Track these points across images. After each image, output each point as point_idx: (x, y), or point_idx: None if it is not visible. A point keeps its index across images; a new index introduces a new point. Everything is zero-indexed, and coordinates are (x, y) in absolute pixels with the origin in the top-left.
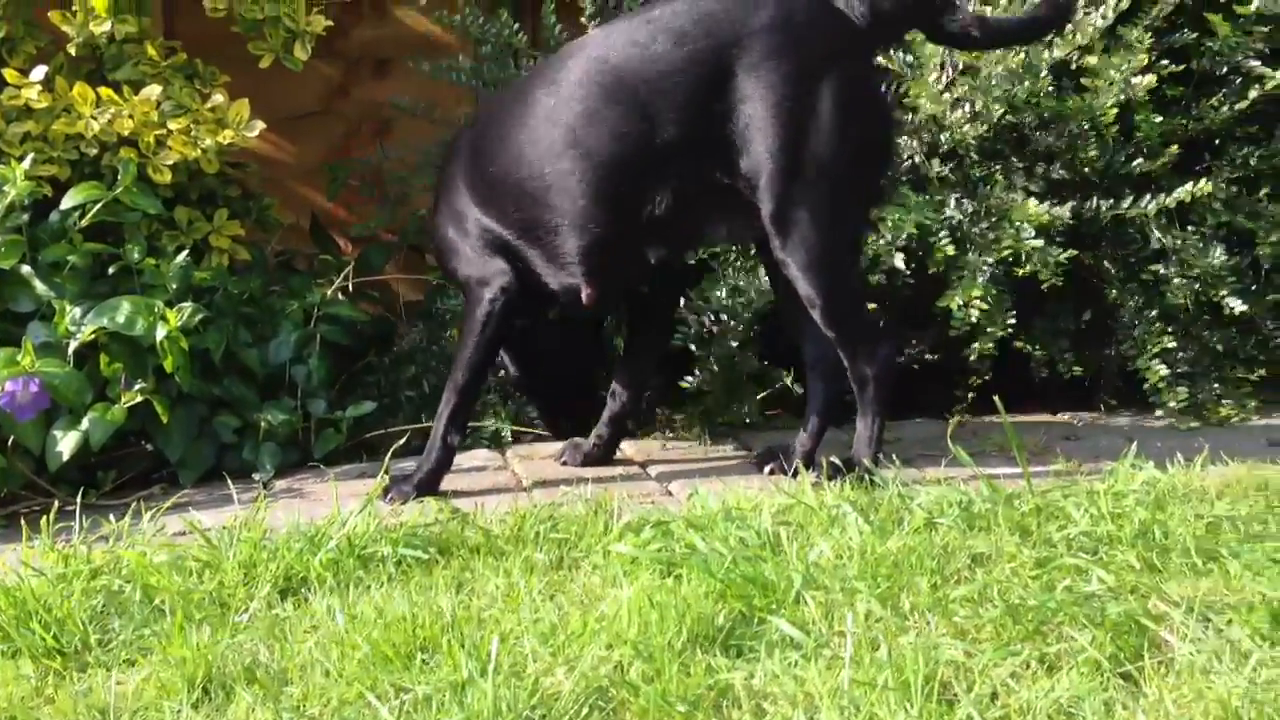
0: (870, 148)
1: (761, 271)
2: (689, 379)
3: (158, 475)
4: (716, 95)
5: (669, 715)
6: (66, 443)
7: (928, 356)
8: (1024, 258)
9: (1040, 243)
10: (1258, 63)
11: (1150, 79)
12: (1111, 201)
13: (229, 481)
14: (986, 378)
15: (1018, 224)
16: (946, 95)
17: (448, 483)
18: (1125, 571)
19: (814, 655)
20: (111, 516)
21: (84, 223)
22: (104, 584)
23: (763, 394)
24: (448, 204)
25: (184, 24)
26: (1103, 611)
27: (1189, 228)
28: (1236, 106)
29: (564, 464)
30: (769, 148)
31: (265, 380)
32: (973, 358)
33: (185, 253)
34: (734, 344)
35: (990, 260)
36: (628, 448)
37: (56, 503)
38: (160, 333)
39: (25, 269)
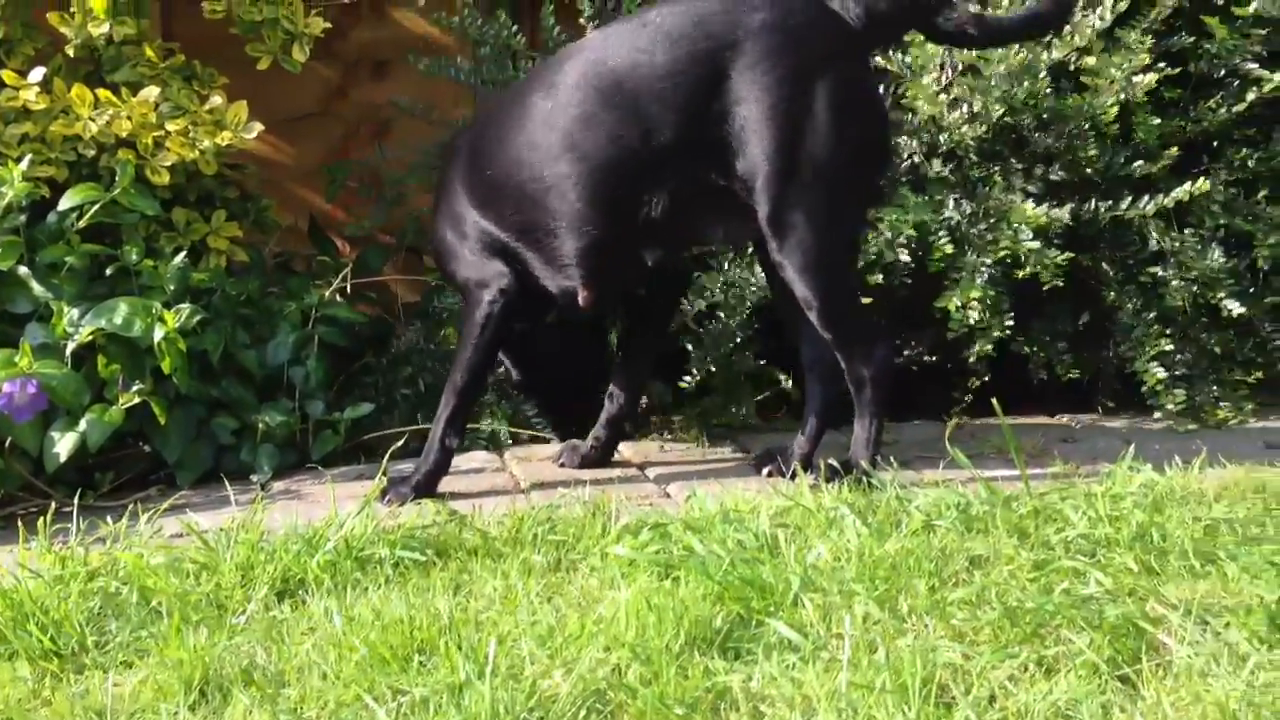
0: (867, 149)
1: (758, 267)
2: (686, 379)
3: (155, 477)
4: (712, 97)
5: (666, 718)
6: (64, 444)
7: (926, 358)
8: (1022, 259)
9: (1038, 244)
10: (1255, 65)
11: (1150, 78)
12: (1110, 203)
13: (226, 483)
14: (985, 379)
15: (1016, 226)
16: (943, 96)
17: (445, 484)
18: (1123, 574)
19: (812, 658)
20: (109, 518)
21: (82, 224)
22: (101, 586)
23: (761, 396)
24: (446, 207)
25: (182, 26)
26: (1100, 614)
27: (1187, 230)
28: (1234, 109)
29: (561, 466)
30: (765, 149)
31: (263, 382)
32: (971, 359)
33: (183, 254)
34: (734, 334)
35: (989, 261)
36: (626, 450)
37: (54, 504)
38: (158, 334)
39: (23, 270)
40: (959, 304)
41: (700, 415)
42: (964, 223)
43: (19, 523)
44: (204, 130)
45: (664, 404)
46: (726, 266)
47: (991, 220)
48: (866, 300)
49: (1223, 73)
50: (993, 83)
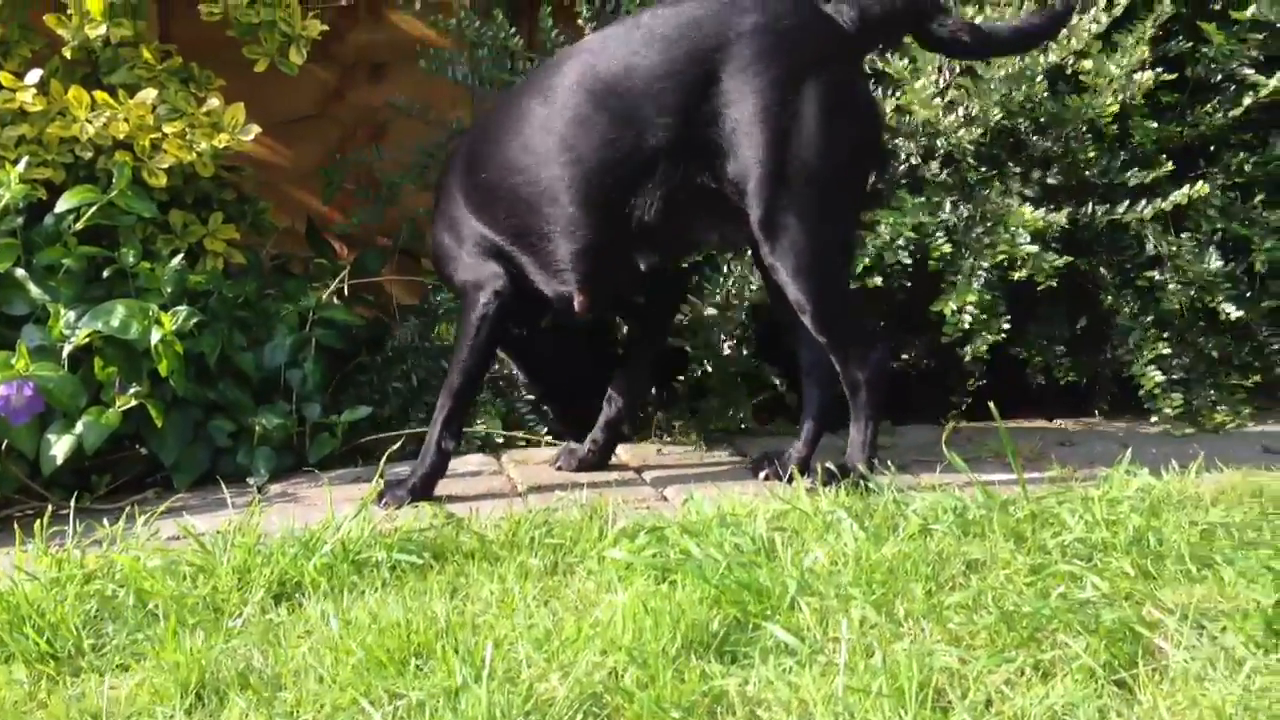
0: (859, 151)
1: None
2: (680, 379)
3: (152, 479)
4: (704, 99)
5: None
6: (60, 446)
7: (924, 362)
8: (1019, 262)
9: (1035, 248)
10: (1252, 70)
11: (1149, 75)
12: (1107, 207)
13: (223, 486)
14: (982, 383)
15: (1013, 229)
16: (938, 101)
17: (443, 487)
18: (1120, 578)
19: (808, 662)
20: (105, 521)
21: (79, 226)
22: (97, 588)
23: (758, 399)
24: (444, 210)
25: (179, 28)
26: (1097, 618)
27: (1184, 234)
28: (1231, 113)
29: (559, 469)
30: (756, 152)
31: (260, 384)
32: (966, 359)
33: (180, 256)
34: (732, 336)
35: (985, 265)
36: (623, 453)
37: (50, 507)
38: (155, 336)
39: (20, 272)
40: (954, 308)
41: (698, 419)
42: (961, 226)
43: (15, 525)
44: (201, 132)
45: (662, 407)
46: (728, 270)
47: (989, 224)
48: (865, 304)
49: (1220, 77)
50: (990, 86)
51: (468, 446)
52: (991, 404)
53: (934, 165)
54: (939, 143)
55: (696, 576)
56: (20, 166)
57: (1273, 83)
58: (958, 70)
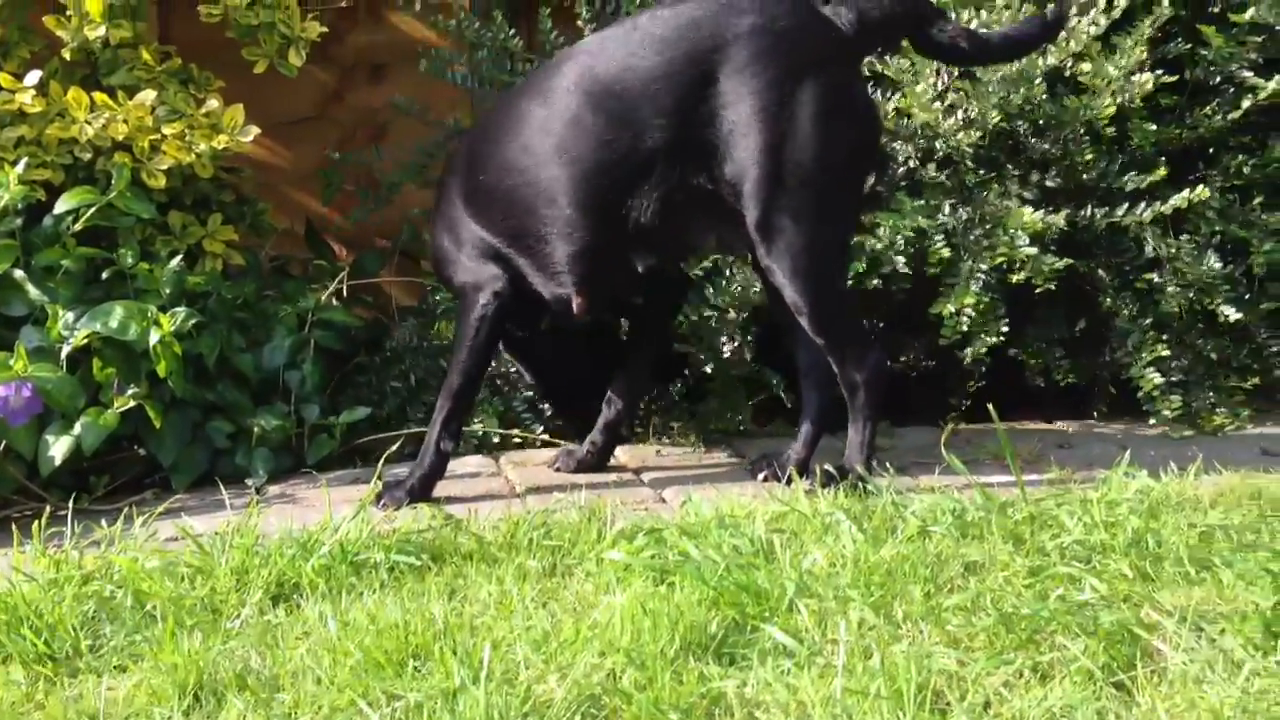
0: (857, 153)
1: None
2: (680, 379)
3: (150, 480)
4: (701, 100)
5: None
6: (59, 447)
7: (923, 363)
8: (1018, 265)
9: (1034, 250)
10: (1251, 73)
11: (1147, 77)
12: (1106, 209)
13: (222, 487)
14: (981, 385)
15: (1012, 231)
16: (938, 104)
17: (441, 489)
18: (1118, 580)
19: (807, 663)
20: (103, 522)
21: (77, 227)
22: (95, 589)
23: (756, 399)
24: (443, 212)
25: (179, 29)
26: (1096, 620)
27: (1183, 236)
28: (1230, 116)
29: (557, 470)
30: (752, 153)
31: (259, 385)
32: (966, 361)
33: (179, 257)
34: (731, 338)
35: (985, 267)
36: (622, 454)
37: (48, 508)
38: (153, 337)
39: (18, 273)
40: (953, 310)
41: (697, 420)
42: (960, 228)
43: (13, 526)
44: (200, 134)
45: (661, 408)
46: (730, 274)
47: (988, 226)
48: (864, 305)
49: (1219, 80)
50: (989, 89)
51: (465, 447)
52: (990, 406)
53: (932, 168)
54: (937, 145)
55: (695, 578)
56: (19, 168)
57: (1272, 85)
58: (956, 73)
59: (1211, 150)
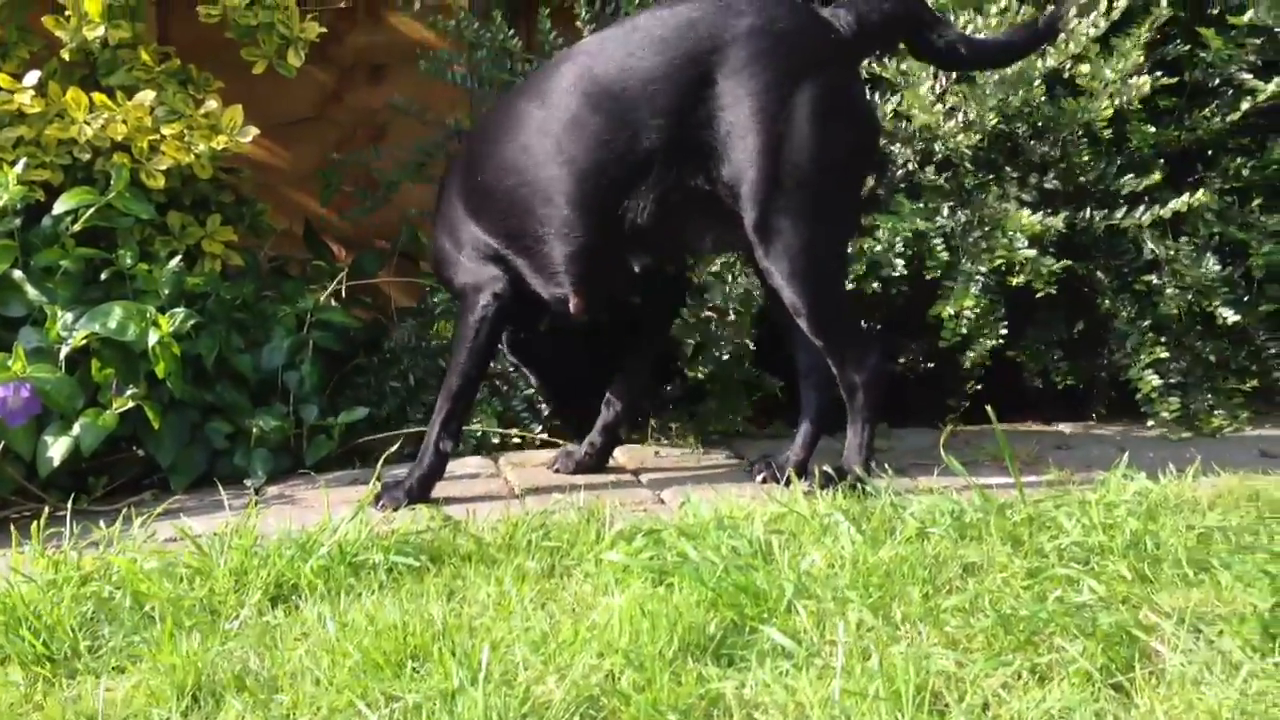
0: (855, 155)
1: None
2: (669, 387)
3: (149, 481)
4: (698, 102)
5: None
6: (58, 448)
7: (922, 365)
8: (1017, 267)
9: (1033, 252)
10: (1250, 75)
11: (1145, 80)
12: (1105, 212)
13: (220, 487)
14: (980, 387)
15: (1011, 233)
16: (939, 106)
17: (440, 489)
18: (1117, 582)
19: (805, 665)
20: (102, 522)
21: (76, 228)
22: (94, 590)
23: (754, 397)
24: (443, 214)
25: (178, 30)
26: (1094, 622)
27: (1182, 238)
28: (1229, 118)
29: (556, 471)
30: (750, 155)
31: (257, 386)
32: (966, 364)
33: (178, 258)
34: (731, 341)
35: (983, 270)
36: (620, 455)
37: (47, 508)
38: (152, 338)
39: (17, 274)
40: (952, 312)
41: (696, 421)
42: (959, 231)
43: (12, 527)
44: (199, 134)
45: (660, 409)
46: (732, 278)
47: (986, 228)
48: (863, 307)
49: (1217, 82)
50: (987, 91)
51: (464, 447)
52: (989, 407)
53: (931, 170)
54: (936, 147)
55: (693, 579)
56: (18, 168)
57: (1270, 87)
58: (954, 76)
59: (1210, 152)
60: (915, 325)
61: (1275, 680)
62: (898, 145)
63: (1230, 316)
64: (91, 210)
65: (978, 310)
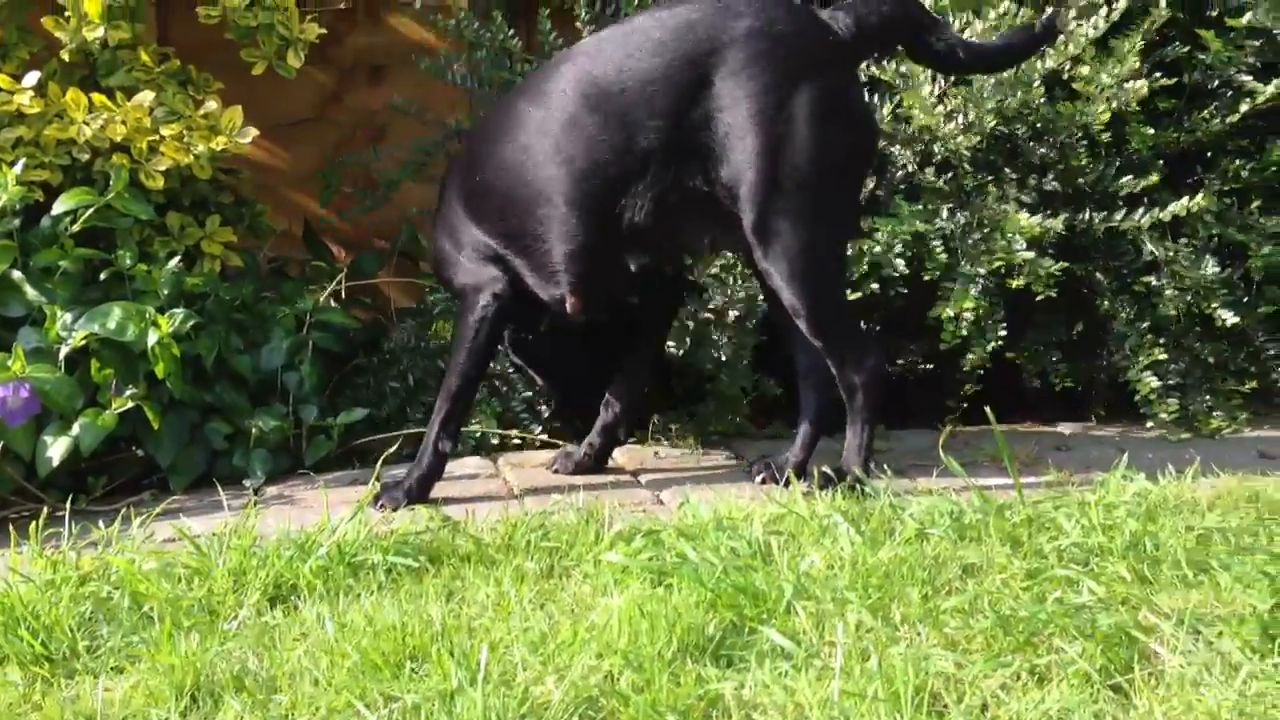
0: (854, 157)
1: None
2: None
3: (148, 481)
4: (696, 103)
5: None
6: (57, 448)
7: (921, 366)
8: (1016, 269)
9: (1032, 255)
10: (1249, 77)
11: (1142, 84)
12: (1104, 214)
13: (219, 488)
14: (979, 388)
15: (1010, 236)
16: (940, 108)
17: (439, 490)
18: (1116, 583)
19: (804, 665)
20: (101, 522)
21: (76, 228)
22: (93, 590)
23: (752, 396)
24: (443, 215)
25: (178, 30)
26: (1093, 623)
27: (1181, 240)
28: (1228, 120)
29: (555, 472)
30: (748, 156)
31: (257, 386)
32: (965, 366)
33: (177, 259)
34: (730, 342)
35: (983, 272)
36: (620, 456)
37: (46, 508)
38: (151, 338)
39: (16, 274)
40: (952, 314)
41: (695, 422)
42: (958, 233)
43: (11, 527)
44: (199, 135)
45: (659, 410)
46: (735, 282)
47: (986, 230)
48: (862, 309)
49: (1216, 83)
50: (985, 94)
51: (463, 448)
52: (988, 408)
53: (930, 172)
54: (936, 149)
55: (692, 580)
56: (17, 168)
57: (1270, 89)
58: (953, 78)
59: (1209, 154)
60: (914, 327)
61: (1274, 681)
62: (897, 147)
63: (1229, 318)
64: (91, 211)
65: (977, 312)
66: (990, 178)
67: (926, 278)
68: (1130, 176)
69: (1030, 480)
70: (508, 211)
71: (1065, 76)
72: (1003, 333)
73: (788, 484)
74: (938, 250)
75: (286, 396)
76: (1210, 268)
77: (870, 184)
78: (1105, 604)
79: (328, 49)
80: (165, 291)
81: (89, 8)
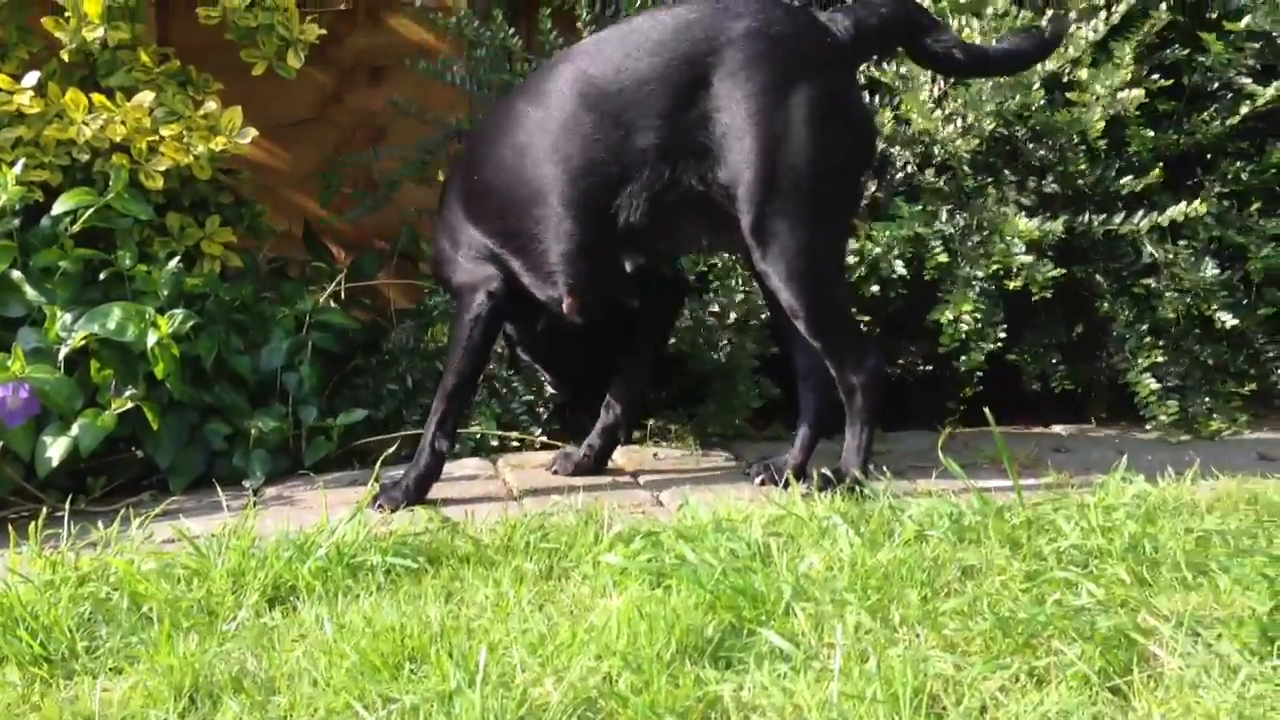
0: (852, 159)
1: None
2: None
3: (147, 482)
4: (693, 103)
5: None
6: (56, 449)
7: (920, 368)
8: (1014, 272)
9: (1030, 258)
10: (1249, 80)
11: (1138, 92)
12: (1104, 216)
13: (219, 489)
14: (978, 389)
15: (1009, 239)
16: (938, 112)
17: (438, 491)
18: (1115, 585)
19: (803, 667)
20: (100, 523)
21: (75, 228)
22: (92, 591)
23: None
24: (443, 215)
25: (177, 31)
26: (1092, 625)
27: (1180, 242)
28: (1228, 122)
29: (555, 473)
30: (746, 157)
31: (256, 387)
32: (964, 369)
33: (177, 259)
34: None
35: (981, 274)
36: (619, 457)
37: (45, 509)
38: (151, 339)
39: (16, 274)
40: (951, 317)
41: (695, 423)
42: (957, 235)
43: (10, 528)
44: (198, 135)
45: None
46: (737, 284)
47: (985, 233)
48: (862, 311)
49: (1216, 86)
50: (984, 96)
51: (463, 449)
52: (987, 410)
53: (930, 173)
54: (935, 151)
55: (691, 581)
56: (17, 169)
57: (1269, 92)
58: (953, 79)
59: (1209, 156)
60: (913, 328)
61: (1273, 684)
62: (897, 148)
63: (1229, 320)
64: (90, 211)
65: (976, 315)
66: (990, 179)
67: (926, 278)
68: (1130, 177)
69: (1030, 482)
70: (505, 211)
71: (1065, 79)
72: (1002, 335)
73: (787, 485)
74: (937, 251)
75: (286, 397)
76: (1210, 270)
77: (870, 185)
78: (1104, 606)
79: (328, 49)
80: (165, 292)
81: (89, 8)
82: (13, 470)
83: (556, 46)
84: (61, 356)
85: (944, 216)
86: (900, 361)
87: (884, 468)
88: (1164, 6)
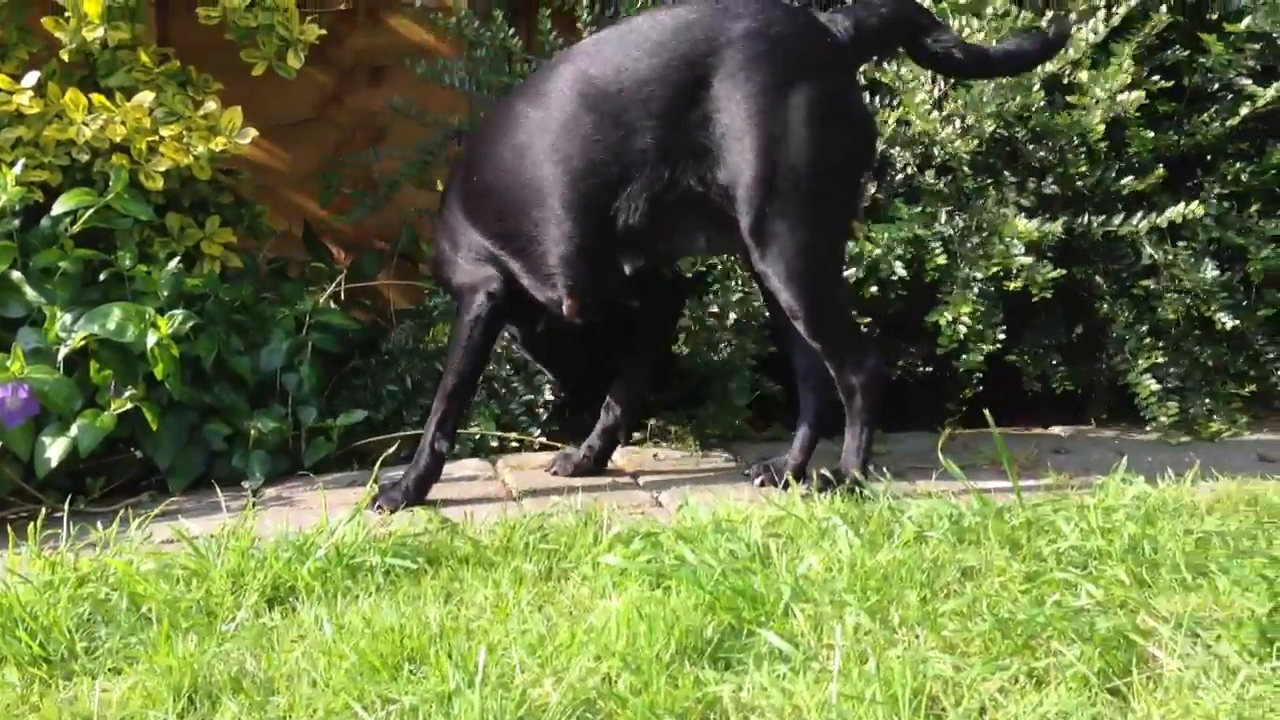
0: (852, 160)
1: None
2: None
3: (147, 482)
4: (693, 104)
5: None
6: (55, 449)
7: (920, 369)
8: (1014, 273)
9: (1030, 259)
10: (1249, 81)
11: (1138, 94)
12: (1104, 218)
13: (218, 489)
14: (978, 390)
15: (1008, 240)
16: (935, 114)
17: (437, 492)
18: (1114, 586)
19: (802, 668)
20: (99, 524)
21: (75, 229)
22: (91, 592)
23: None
24: (443, 216)
25: (177, 31)
26: (1091, 626)
27: (1180, 243)
28: (1228, 123)
29: (554, 474)
30: (745, 158)
31: (256, 388)
32: (963, 370)
33: (177, 260)
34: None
35: (980, 275)
36: (619, 457)
37: (44, 509)
38: (151, 340)
39: (16, 275)
40: (950, 319)
41: (695, 424)
42: (957, 236)
43: (9, 528)
44: (198, 136)
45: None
46: (736, 285)
47: (984, 234)
48: (861, 312)
49: (1216, 87)
50: (984, 98)
51: (462, 450)
52: (987, 411)
53: (930, 174)
54: (935, 152)
55: (691, 582)
56: (17, 169)
57: (1269, 93)
58: (952, 81)
59: (1209, 157)
60: (913, 329)
61: (1272, 685)
62: (897, 149)
63: (1228, 321)
64: (90, 211)
65: (975, 316)
66: (990, 181)
67: (927, 279)
68: (1130, 179)
69: (1029, 483)
70: (504, 212)
71: (1066, 80)
72: (1001, 336)
73: (786, 486)
74: (937, 253)
75: (285, 398)
76: (1210, 271)
77: (870, 187)
78: (1104, 607)
79: (328, 50)
80: (165, 292)
81: (89, 8)
82: (12, 471)
83: (556, 47)
84: (61, 357)
85: (944, 218)
86: (900, 363)
87: (884, 469)
88: (1164, 8)
